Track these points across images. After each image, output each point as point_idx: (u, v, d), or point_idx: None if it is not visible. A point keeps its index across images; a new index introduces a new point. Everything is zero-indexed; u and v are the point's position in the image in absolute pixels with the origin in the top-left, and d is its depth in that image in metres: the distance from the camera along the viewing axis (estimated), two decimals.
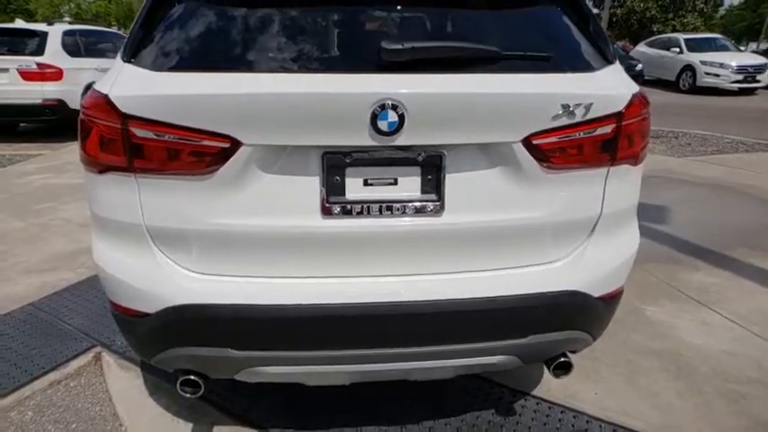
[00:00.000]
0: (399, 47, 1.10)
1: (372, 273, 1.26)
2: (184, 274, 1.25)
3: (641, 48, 14.80)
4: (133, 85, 1.14)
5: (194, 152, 1.15)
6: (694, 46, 13.20)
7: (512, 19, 1.31)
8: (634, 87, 1.30)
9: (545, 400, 1.78)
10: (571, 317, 1.34)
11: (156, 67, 1.16)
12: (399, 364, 1.31)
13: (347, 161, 1.18)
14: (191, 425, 1.68)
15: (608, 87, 1.25)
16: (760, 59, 12.73)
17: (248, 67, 1.15)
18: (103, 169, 1.22)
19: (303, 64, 1.15)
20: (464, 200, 1.23)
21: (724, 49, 13.38)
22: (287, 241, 1.23)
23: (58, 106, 6.52)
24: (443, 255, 1.27)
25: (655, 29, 20.31)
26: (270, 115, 1.11)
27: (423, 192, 1.22)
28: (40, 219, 3.63)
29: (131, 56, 1.20)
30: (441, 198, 1.22)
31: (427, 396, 1.77)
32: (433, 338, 1.28)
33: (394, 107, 1.09)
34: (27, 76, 6.41)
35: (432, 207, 1.22)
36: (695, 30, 19.67)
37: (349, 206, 1.20)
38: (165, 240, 1.24)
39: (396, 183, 1.21)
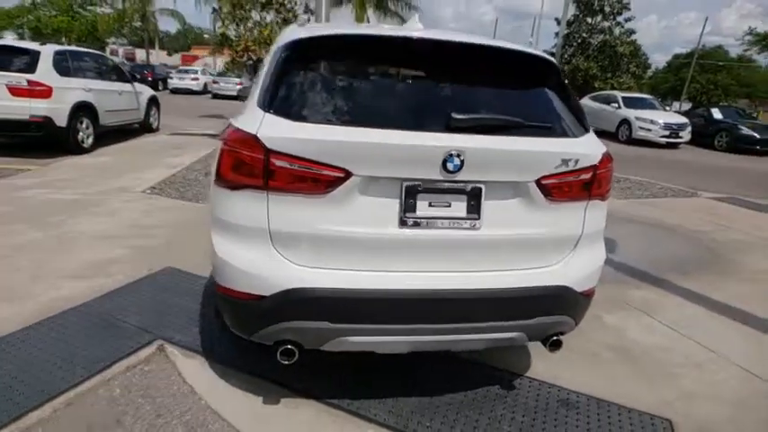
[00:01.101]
0: (463, 117, 1.66)
1: (432, 268, 1.76)
2: (294, 266, 1.70)
3: (585, 101, 16.52)
4: (276, 129, 1.61)
5: (316, 178, 1.62)
6: (629, 103, 14.98)
7: (525, 98, 1.92)
8: (603, 148, 1.92)
9: (534, 379, 2.31)
10: (563, 305, 1.90)
11: (291, 117, 1.64)
12: (447, 336, 1.80)
13: (419, 189, 1.70)
14: (260, 398, 2.05)
15: (588, 148, 1.86)
16: (682, 119, 14.65)
17: (359, 122, 1.65)
18: (240, 187, 1.67)
19: (398, 122, 1.67)
20: (495, 219, 1.78)
21: (652, 107, 15.29)
22: (372, 244, 1.71)
23: (45, 123, 6.61)
24: (479, 257, 1.80)
25: (596, 85, 22.78)
26: (375, 157, 1.62)
27: (468, 212, 1.75)
28: (57, 230, 3.83)
29: (270, 107, 1.67)
30: (480, 217, 1.76)
31: (447, 378, 2.25)
32: (471, 317, 1.79)
33: (458, 155, 1.63)
34: (16, 92, 6.49)
35: (474, 224, 1.75)
36: (629, 88, 22.20)
37: (418, 220, 1.71)
38: (281, 240, 1.69)
39: (450, 205, 1.74)
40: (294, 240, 1.69)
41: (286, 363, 1.77)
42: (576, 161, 1.80)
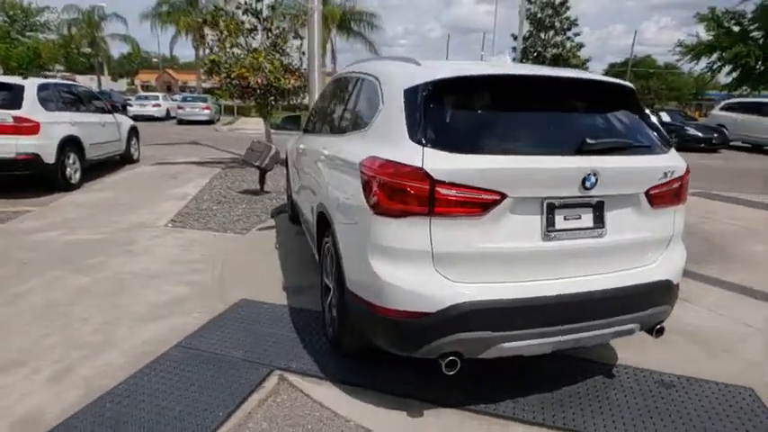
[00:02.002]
0: (595, 141, 1.92)
1: (569, 274, 1.99)
2: (454, 283, 1.87)
3: None
4: (439, 161, 1.80)
5: (476, 203, 1.82)
6: None
7: (624, 121, 2.21)
8: (684, 161, 2.24)
9: (627, 366, 2.57)
10: (666, 296, 2.18)
11: (448, 149, 1.83)
12: (583, 334, 2.02)
13: (557, 205, 1.93)
14: (404, 412, 2.17)
15: (677, 161, 2.17)
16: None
17: (509, 150, 1.87)
18: (405, 215, 1.83)
19: (540, 148, 1.91)
20: (614, 227, 2.04)
21: None
22: (520, 257, 1.92)
23: (33, 160, 6.34)
24: (604, 261, 2.05)
25: None
26: (526, 180, 1.84)
27: (594, 223, 2.00)
28: (101, 273, 3.75)
29: (426, 141, 1.85)
30: (604, 226, 2.01)
31: (555, 374, 2.47)
32: (602, 314, 2.03)
33: (594, 174, 1.88)
34: (1, 129, 6.19)
35: (600, 232, 2.01)
36: None
37: (557, 233, 1.94)
38: (441, 260, 1.86)
39: (580, 218, 1.98)
40: (453, 259, 1.87)
41: (451, 373, 1.93)
42: (672, 173, 2.11)
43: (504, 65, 2.43)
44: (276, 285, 3.58)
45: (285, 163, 5.60)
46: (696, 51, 22.12)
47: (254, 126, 21.48)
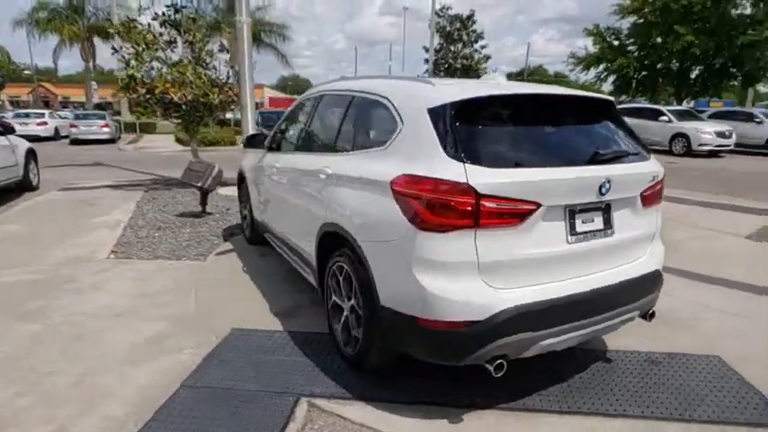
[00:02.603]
0: (605, 152, 2.21)
1: (589, 272, 2.23)
2: (498, 290, 2.02)
3: None
4: (481, 177, 1.94)
5: (515, 213, 1.99)
6: None
7: (615, 132, 2.52)
8: (660, 165, 2.63)
9: (618, 350, 2.90)
10: (657, 284, 2.52)
11: (487, 165, 1.98)
12: (602, 324, 2.27)
13: (576, 210, 2.17)
14: (444, 420, 2.25)
15: (659, 166, 2.54)
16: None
17: (540, 163, 2.07)
18: (451, 229, 1.94)
19: (563, 160, 2.13)
20: (619, 226, 2.33)
21: None
22: (550, 260, 2.12)
23: None
24: (614, 257, 2.33)
25: None
26: (557, 189, 2.05)
27: (604, 224, 2.27)
28: (52, 318, 3.34)
29: (465, 158, 1.98)
30: (612, 226, 2.29)
31: (564, 364, 2.71)
32: (616, 305, 2.30)
33: (608, 181, 2.15)
34: None
35: (609, 232, 2.28)
36: None
37: (578, 236, 2.18)
38: (485, 270, 2.00)
39: (593, 221, 2.24)
40: (496, 267, 2.02)
41: (499, 375, 2.06)
42: (657, 176, 2.47)
43: (505, 83, 2.66)
44: (263, 310, 3.47)
45: (238, 182, 5.40)
46: (586, 62, 25.07)
47: (163, 144, 20.15)
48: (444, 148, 2.04)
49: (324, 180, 2.81)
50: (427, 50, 27.19)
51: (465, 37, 27.41)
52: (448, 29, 27.13)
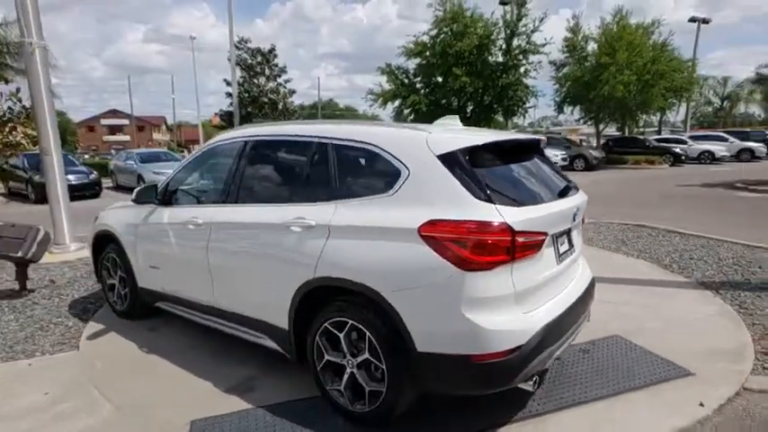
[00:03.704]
0: (572, 185, 2.75)
1: (567, 285, 2.74)
2: (527, 314, 2.34)
3: None
4: (511, 215, 2.24)
5: (536, 244, 2.34)
6: None
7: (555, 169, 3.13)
8: None
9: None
10: (593, 287, 3.21)
11: (508, 204, 2.30)
12: (579, 329, 2.79)
13: (557, 236, 2.65)
14: None
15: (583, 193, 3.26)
16: None
17: (542, 200, 2.49)
18: (493, 266, 2.19)
19: (552, 195, 2.59)
20: (575, 244, 2.92)
21: None
22: (550, 279, 2.54)
23: None
24: (575, 270, 2.90)
25: None
26: (556, 220, 2.50)
27: (569, 244, 2.83)
28: None
29: (490, 199, 2.26)
30: (573, 245, 2.87)
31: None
32: (584, 310, 2.86)
33: (578, 209, 2.70)
34: None
35: (572, 250, 2.85)
36: None
37: (561, 257, 2.67)
38: (518, 298, 2.31)
39: (564, 243, 2.77)
40: (524, 294, 2.34)
41: (536, 389, 2.35)
42: (586, 201, 3.16)
43: (478, 130, 3.03)
44: (211, 392, 3.04)
45: (97, 246, 4.50)
46: (384, 98, 28.12)
47: None
48: (469, 191, 2.28)
49: (301, 233, 2.70)
50: (229, 84, 26.58)
51: (267, 71, 27.80)
52: (249, 62, 27.11)
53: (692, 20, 31.77)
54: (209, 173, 3.62)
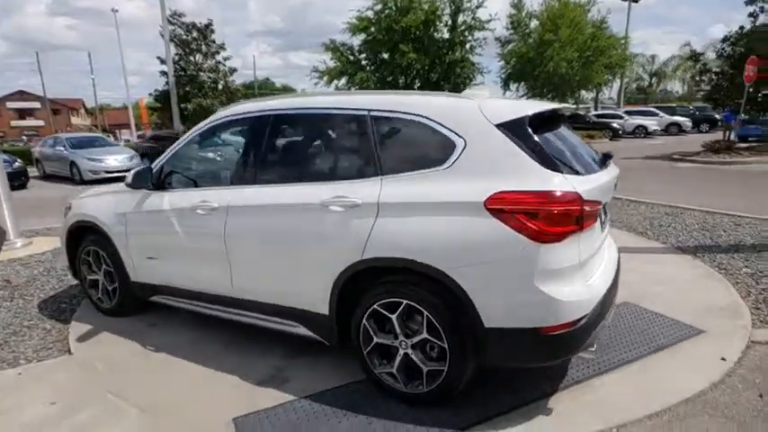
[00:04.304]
0: (605, 156, 2.79)
1: (607, 254, 2.81)
2: (589, 283, 2.39)
3: None
4: (577, 185, 2.24)
5: (596, 213, 2.37)
6: None
7: None
8: None
9: None
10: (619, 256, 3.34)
11: (575, 173, 2.32)
12: (615, 299, 2.89)
13: (603, 205, 2.69)
14: (550, 409, 2.49)
15: None
16: None
17: (591, 169, 2.50)
18: (566, 236, 2.20)
19: (598, 166, 2.61)
20: (608, 213, 3.00)
21: None
22: (599, 248, 2.60)
23: None
24: (609, 241, 2.99)
25: None
26: (606, 190, 2.52)
27: (605, 215, 2.88)
28: None
29: (559, 169, 2.26)
30: (607, 216, 2.94)
31: None
32: (618, 279, 2.96)
33: (617, 181, 2.76)
34: None
35: (607, 218, 2.92)
36: None
37: (602, 225, 2.73)
38: (582, 267, 2.34)
39: (604, 213, 2.82)
40: (585, 263, 2.38)
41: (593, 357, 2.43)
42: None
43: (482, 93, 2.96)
44: (241, 386, 2.89)
45: (72, 239, 4.09)
46: (330, 76, 27.52)
47: None
48: (536, 160, 2.26)
49: (343, 213, 2.57)
50: (163, 61, 24.89)
51: (204, 48, 26.22)
52: (184, 38, 25.43)
53: None
54: (218, 152, 3.35)
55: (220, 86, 26.21)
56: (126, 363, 3.26)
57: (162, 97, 26.20)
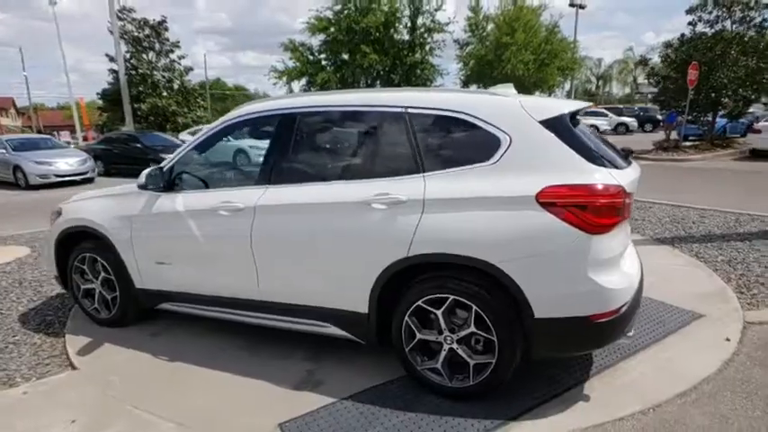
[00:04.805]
0: (631, 159, 2.94)
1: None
2: (627, 271, 2.51)
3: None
4: (620, 178, 2.36)
5: (631, 204, 2.49)
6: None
7: None
8: None
9: None
10: None
11: (613, 167, 2.41)
12: None
13: None
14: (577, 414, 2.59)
15: None
16: None
17: (621, 165, 2.60)
18: (612, 228, 2.31)
19: (623, 162, 2.73)
20: None
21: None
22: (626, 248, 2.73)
23: None
24: None
25: (180, 121, 23.96)
26: (635, 184, 2.63)
27: None
28: None
29: (603, 163, 2.36)
30: None
31: None
32: None
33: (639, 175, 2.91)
34: None
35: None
36: (208, 121, 24.96)
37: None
38: (622, 256, 2.45)
39: None
40: (623, 253, 2.50)
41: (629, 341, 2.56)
42: None
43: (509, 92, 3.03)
44: (276, 392, 2.83)
45: (62, 246, 3.85)
46: (290, 76, 27.13)
47: None
48: (581, 155, 2.36)
49: (387, 210, 2.57)
50: (112, 59, 23.69)
51: (158, 46, 25.13)
52: (136, 34, 24.27)
53: (572, 5, 35.08)
54: (239, 151, 3.25)
55: (176, 86, 25.19)
56: (141, 375, 3.11)
57: (110, 96, 24.89)
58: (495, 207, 2.38)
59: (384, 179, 2.65)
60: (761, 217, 6.65)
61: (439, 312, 2.55)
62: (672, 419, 2.46)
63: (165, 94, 24.40)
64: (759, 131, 14.48)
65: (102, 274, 3.69)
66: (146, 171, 3.29)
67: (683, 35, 17.82)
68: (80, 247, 3.74)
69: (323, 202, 2.75)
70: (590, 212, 2.27)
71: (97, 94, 26.24)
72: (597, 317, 2.33)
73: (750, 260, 4.94)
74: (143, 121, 23.52)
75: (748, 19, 16.73)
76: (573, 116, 2.64)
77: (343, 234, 2.69)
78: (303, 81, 27.43)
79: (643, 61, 18.30)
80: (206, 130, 3.31)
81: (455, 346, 2.58)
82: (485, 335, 2.49)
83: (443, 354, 2.61)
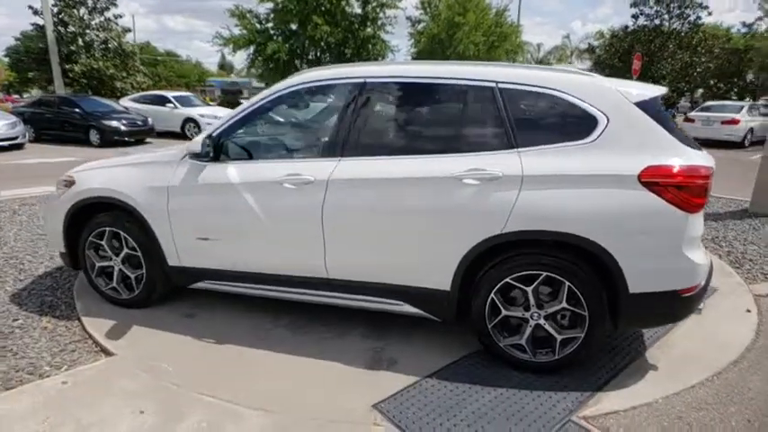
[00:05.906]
0: None
1: None
2: (702, 248, 2.63)
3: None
4: (707, 160, 2.44)
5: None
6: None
7: None
8: None
9: None
10: None
11: (696, 149, 2.49)
12: None
13: None
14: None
15: None
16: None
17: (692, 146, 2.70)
18: (702, 207, 2.40)
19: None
20: None
21: None
22: None
23: None
24: None
25: (117, 85, 21.85)
26: None
27: None
28: None
29: (691, 146, 2.42)
30: None
31: None
32: None
33: None
34: None
35: None
36: (148, 87, 23.05)
37: None
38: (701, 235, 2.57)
39: None
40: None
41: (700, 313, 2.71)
42: None
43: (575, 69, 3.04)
44: (352, 372, 2.73)
45: (73, 221, 3.42)
46: (236, 44, 25.61)
47: None
48: (675, 137, 2.41)
49: (481, 185, 2.49)
50: (36, 12, 21.14)
51: (91, 2, 22.56)
52: None
53: None
54: (302, 121, 3.01)
55: (111, 47, 22.89)
56: (193, 359, 2.87)
57: (22, 54, 22.17)
58: (595, 185, 2.40)
59: (472, 154, 2.58)
60: (721, 198, 7.27)
61: (529, 289, 2.55)
62: (737, 385, 2.65)
63: (98, 55, 22.09)
64: (693, 120, 15.70)
65: (126, 250, 3.33)
66: (197, 139, 2.96)
67: (626, 27, 18.86)
68: (98, 221, 3.34)
69: (408, 176, 2.62)
70: (687, 192, 2.34)
71: (6, 50, 23.30)
72: (685, 291, 2.44)
73: (730, 238, 5.39)
74: (75, 84, 21.28)
75: (684, 15, 18.00)
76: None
77: (430, 210, 2.60)
78: (251, 49, 26.05)
79: (590, 49, 19.18)
80: (258, 98, 3.03)
81: (542, 321, 2.60)
82: (576, 310, 2.53)
83: (529, 329, 2.63)
